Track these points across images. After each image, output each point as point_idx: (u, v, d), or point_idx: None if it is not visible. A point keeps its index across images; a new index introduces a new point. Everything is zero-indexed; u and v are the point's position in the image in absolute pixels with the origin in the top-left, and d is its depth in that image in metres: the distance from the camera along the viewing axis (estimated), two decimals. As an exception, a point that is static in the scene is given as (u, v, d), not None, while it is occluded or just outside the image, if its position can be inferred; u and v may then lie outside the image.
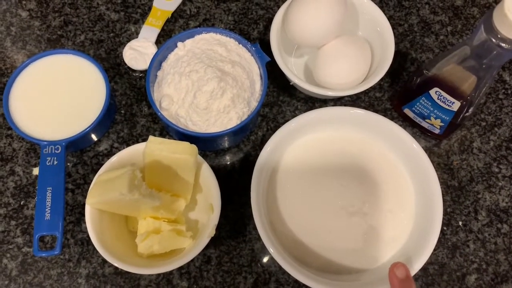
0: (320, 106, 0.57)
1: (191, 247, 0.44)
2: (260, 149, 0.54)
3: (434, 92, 0.49)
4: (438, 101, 0.50)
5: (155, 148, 0.43)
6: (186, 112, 0.48)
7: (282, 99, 0.57)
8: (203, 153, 0.53)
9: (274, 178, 0.48)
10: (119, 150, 0.53)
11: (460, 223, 0.52)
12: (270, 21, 0.60)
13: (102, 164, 0.52)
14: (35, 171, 0.52)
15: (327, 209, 0.46)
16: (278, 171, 0.48)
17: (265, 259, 0.50)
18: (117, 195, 0.40)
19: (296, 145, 0.49)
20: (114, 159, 0.46)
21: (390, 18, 0.53)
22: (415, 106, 0.53)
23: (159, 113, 0.48)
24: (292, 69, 0.57)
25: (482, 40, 0.41)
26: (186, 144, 0.44)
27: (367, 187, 0.47)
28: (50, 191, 0.47)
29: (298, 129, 0.48)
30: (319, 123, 0.49)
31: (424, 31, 0.61)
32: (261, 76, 0.52)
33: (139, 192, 0.40)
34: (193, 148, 0.44)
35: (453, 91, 0.48)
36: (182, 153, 0.43)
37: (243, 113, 0.49)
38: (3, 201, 0.51)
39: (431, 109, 0.51)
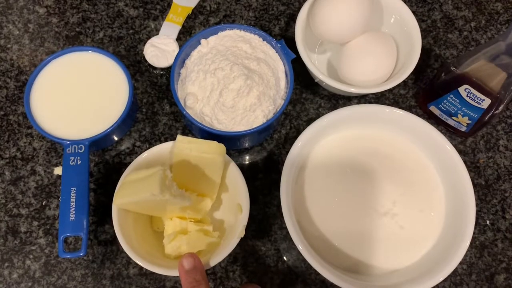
0: (344, 103, 0.56)
1: (219, 248, 0.43)
2: (284, 148, 0.53)
3: (463, 89, 0.48)
4: (467, 99, 0.49)
5: (184, 147, 0.43)
6: (211, 111, 0.48)
7: (305, 97, 0.56)
8: (226, 152, 0.52)
9: (302, 176, 0.47)
10: (141, 149, 0.52)
11: (488, 222, 0.51)
12: (291, 17, 0.60)
13: (125, 164, 0.52)
14: (57, 170, 0.51)
15: (356, 209, 0.46)
16: (306, 169, 0.47)
17: (292, 259, 0.49)
18: (148, 196, 0.39)
19: (325, 142, 0.48)
20: (140, 159, 0.45)
21: (413, 14, 0.52)
22: (442, 104, 0.52)
23: (184, 112, 0.47)
24: (316, 65, 0.56)
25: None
26: (214, 143, 0.43)
27: (397, 186, 0.46)
28: (74, 191, 0.46)
29: (329, 126, 0.47)
30: (350, 120, 0.48)
31: (447, 27, 0.60)
32: (286, 73, 0.51)
33: (170, 193, 0.39)
34: (222, 147, 0.43)
35: (483, 89, 0.47)
36: (211, 153, 0.43)
37: (268, 111, 0.48)
38: (25, 202, 0.50)
39: (459, 106, 0.50)
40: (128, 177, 0.42)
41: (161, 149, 0.45)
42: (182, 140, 0.43)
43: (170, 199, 0.40)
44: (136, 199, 0.40)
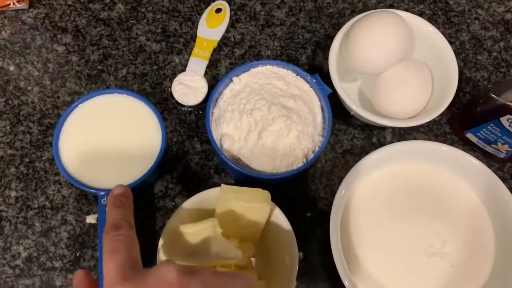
0: (378, 133, 0.55)
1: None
2: (320, 183, 0.52)
3: (506, 119, 0.47)
4: (510, 128, 0.48)
5: (230, 197, 0.41)
6: (250, 152, 0.46)
7: (338, 127, 0.55)
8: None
9: (346, 218, 0.46)
10: (174, 191, 0.51)
11: (532, 250, 0.50)
12: (317, 44, 0.58)
13: (158, 208, 0.50)
14: (89, 219, 0.49)
15: (405, 250, 0.44)
16: (350, 211, 0.46)
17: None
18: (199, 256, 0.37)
19: (368, 181, 0.47)
20: (181, 210, 0.43)
21: (447, 41, 0.51)
22: (480, 132, 0.51)
23: (222, 156, 0.45)
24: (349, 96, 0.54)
25: None
26: (259, 191, 0.42)
27: (446, 224, 0.45)
28: (113, 244, 0.44)
29: (372, 165, 0.46)
30: (393, 157, 0.46)
31: (476, 48, 0.59)
32: (322, 108, 0.49)
33: (220, 251, 0.38)
34: (267, 194, 0.42)
35: (528, 118, 0.46)
36: (258, 202, 0.41)
37: (308, 150, 0.47)
38: (58, 253, 0.48)
39: (500, 135, 0.49)
40: (179, 228, 0.40)
41: (204, 196, 0.44)
42: (226, 190, 0.41)
43: (218, 257, 0.38)
44: (184, 257, 0.38)
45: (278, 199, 0.50)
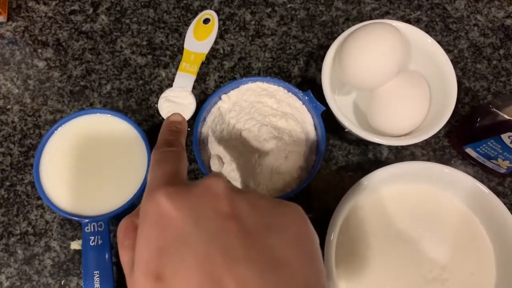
0: (374, 149, 0.53)
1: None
2: (315, 201, 0.50)
3: (507, 136, 0.45)
4: (511, 145, 0.46)
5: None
6: (241, 175, 0.44)
7: (333, 143, 0.52)
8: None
9: (341, 241, 0.44)
10: (163, 214, 0.48)
11: (534, 269, 0.49)
12: (310, 55, 0.56)
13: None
14: (73, 245, 0.47)
15: (402, 277, 0.43)
16: (345, 234, 0.44)
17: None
18: None
19: (361, 204, 0.45)
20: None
21: (438, 44, 0.49)
22: (480, 147, 0.49)
23: (211, 180, 0.43)
24: (341, 109, 0.52)
25: None
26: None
27: (446, 249, 0.43)
28: (97, 275, 0.42)
29: (365, 189, 0.44)
30: (388, 179, 0.44)
31: (475, 56, 0.57)
32: (315, 126, 0.47)
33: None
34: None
35: (530, 136, 0.44)
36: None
37: (301, 171, 0.45)
38: (42, 282, 0.46)
39: (500, 151, 0.47)
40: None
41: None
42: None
43: None
44: None
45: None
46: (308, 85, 0.47)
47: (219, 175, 0.27)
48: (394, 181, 0.45)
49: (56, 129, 0.46)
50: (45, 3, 0.57)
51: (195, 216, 0.24)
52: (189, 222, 0.24)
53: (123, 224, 0.27)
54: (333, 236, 0.41)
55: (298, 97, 0.47)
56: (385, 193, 0.45)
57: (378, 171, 0.44)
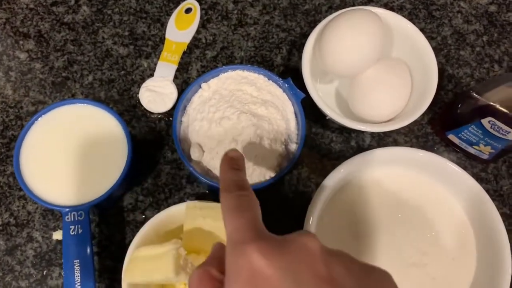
0: (357, 136, 0.52)
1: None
2: (297, 190, 0.50)
3: (487, 121, 0.45)
4: (491, 130, 0.46)
5: (196, 214, 0.39)
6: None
7: (315, 131, 0.52)
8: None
9: (322, 225, 0.44)
10: (145, 204, 0.49)
11: (516, 254, 0.49)
12: (293, 44, 0.56)
13: (128, 221, 0.48)
14: (55, 235, 0.47)
15: (381, 262, 0.43)
16: (325, 219, 0.44)
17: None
18: (162, 279, 0.35)
19: (344, 189, 0.45)
20: (146, 227, 0.41)
21: (421, 31, 0.49)
22: (462, 133, 0.49)
23: (191, 168, 0.43)
24: (323, 97, 0.52)
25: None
26: (228, 207, 0.40)
27: (426, 234, 0.43)
28: (77, 264, 0.42)
29: (348, 174, 0.44)
30: (371, 164, 0.44)
31: (458, 43, 0.57)
32: (295, 113, 0.47)
33: (185, 272, 0.36)
34: (236, 210, 0.40)
35: (510, 120, 0.44)
36: (225, 218, 0.39)
37: (282, 158, 0.45)
38: (24, 272, 0.46)
39: (482, 137, 0.47)
40: (138, 252, 0.38)
41: (168, 214, 0.42)
42: (192, 207, 0.39)
43: (186, 278, 0.36)
44: (148, 280, 0.37)
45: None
46: (291, 73, 0.47)
47: (311, 233, 0.26)
48: (375, 167, 0.45)
49: (36, 119, 0.46)
50: (27, -5, 0.57)
51: (293, 277, 0.22)
52: (288, 281, 0.22)
53: (197, 275, 0.26)
54: (312, 220, 0.41)
55: (278, 84, 0.47)
56: (366, 179, 0.45)
57: (357, 156, 0.44)
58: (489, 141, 0.47)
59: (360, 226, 0.44)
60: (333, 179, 0.43)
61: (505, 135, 0.45)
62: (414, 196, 0.45)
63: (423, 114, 0.53)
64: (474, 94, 0.46)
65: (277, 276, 0.22)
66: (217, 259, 0.27)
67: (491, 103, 0.44)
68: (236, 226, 0.25)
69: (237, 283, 0.23)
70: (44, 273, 0.46)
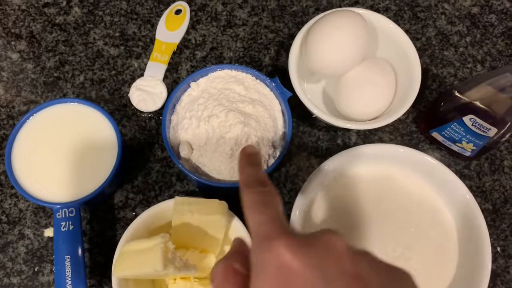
0: (343, 134, 0.54)
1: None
2: (285, 187, 0.51)
3: (468, 119, 0.47)
4: (473, 127, 0.47)
5: (184, 210, 0.40)
6: (209, 161, 0.45)
7: (303, 130, 0.53)
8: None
9: (307, 219, 0.45)
10: (135, 201, 0.50)
11: (498, 248, 0.50)
12: (281, 44, 0.57)
13: (119, 218, 0.49)
14: (47, 232, 0.48)
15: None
16: (310, 215, 0.45)
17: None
18: (150, 272, 0.36)
19: (329, 185, 0.46)
20: (136, 223, 0.42)
21: (406, 32, 0.50)
22: (445, 131, 0.50)
23: (180, 165, 0.44)
24: (310, 97, 0.53)
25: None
26: (215, 202, 0.41)
27: (410, 229, 0.44)
28: (68, 260, 0.43)
29: (333, 170, 0.45)
30: (355, 161, 0.46)
31: (442, 43, 0.58)
32: (282, 112, 0.48)
33: (173, 266, 0.37)
34: (224, 205, 0.41)
35: (490, 118, 0.45)
36: (213, 214, 0.40)
37: (268, 156, 0.46)
38: (16, 269, 0.47)
39: (464, 134, 0.49)
40: (127, 246, 0.39)
41: (158, 210, 0.43)
42: (181, 202, 0.40)
43: (174, 272, 0.37)
44: (137, 274, 0.37)
45: (240, 207, 0.49)
46: (279, 74, 0.48)
47: (336, 231, 0.26)
48: (359, 163, 0.46)
49: (27, 118, 0.47)
50: (19, -3, 0.58)
51: (321, 273, 0.22)
52: (316, 277, 0.22)
53: (220, 268, 0.26)
54: (298, 212, 0.42)
55: (266, 84, 0.48)
56: (350, 175, 0.46)
57: (342, 153, 0.45)
58: (471, 138, 0.49)
59: (344, 221, 0.45)
60: (319, 175, 0.44)
61: (486, 132, 0.46)
62: (397, 192, 0.46)
63: (408, 113, 0.55)
64: (456, 92, 0.47)
65: (306, 272, 0.22)
66: (239, 254, 0.27)
67: (472, 101, 0.46)
68: (260, 222, 0.25)
69: (265, 278, 0.23)
70: (36, 269, 0.47)
